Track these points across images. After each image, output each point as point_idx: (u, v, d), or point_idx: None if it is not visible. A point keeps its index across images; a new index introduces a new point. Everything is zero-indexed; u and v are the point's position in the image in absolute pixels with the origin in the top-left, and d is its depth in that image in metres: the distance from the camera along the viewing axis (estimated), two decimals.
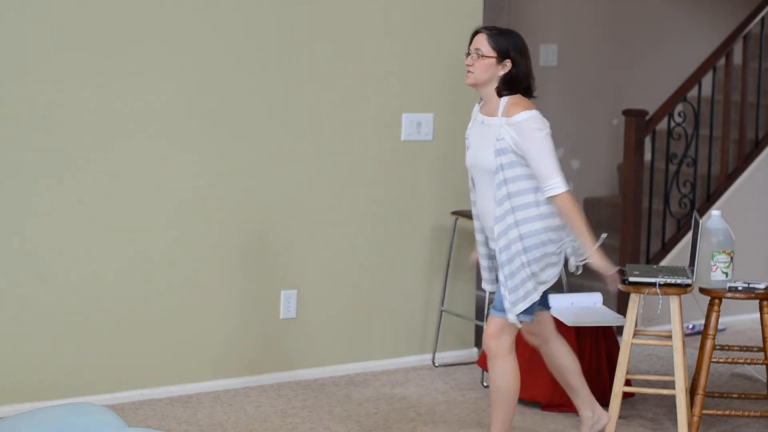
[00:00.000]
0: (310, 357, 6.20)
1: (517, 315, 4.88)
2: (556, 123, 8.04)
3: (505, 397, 4.94)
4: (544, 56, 7.94)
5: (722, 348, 5.66)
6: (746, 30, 7.40)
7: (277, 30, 6.00)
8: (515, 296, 4.84)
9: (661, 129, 7.71)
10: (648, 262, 7.24)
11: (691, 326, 7.19)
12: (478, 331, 6.74)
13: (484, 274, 5.11)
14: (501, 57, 4.81)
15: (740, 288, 5.33)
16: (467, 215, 6.46)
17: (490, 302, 5.87)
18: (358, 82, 6.20)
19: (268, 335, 6.12)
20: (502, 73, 4.82)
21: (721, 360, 5.49)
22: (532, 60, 7.85)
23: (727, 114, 7.38)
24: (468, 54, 4.86)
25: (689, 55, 8.25)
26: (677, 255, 7.29)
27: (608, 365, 5.86)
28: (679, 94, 7.24)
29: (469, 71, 4.85)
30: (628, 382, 5.49)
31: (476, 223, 5.04)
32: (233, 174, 5.96)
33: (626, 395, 5.78)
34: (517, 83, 4.85)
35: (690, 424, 5.33)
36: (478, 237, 5.05)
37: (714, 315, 5.39)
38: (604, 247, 4.98)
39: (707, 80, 7.46)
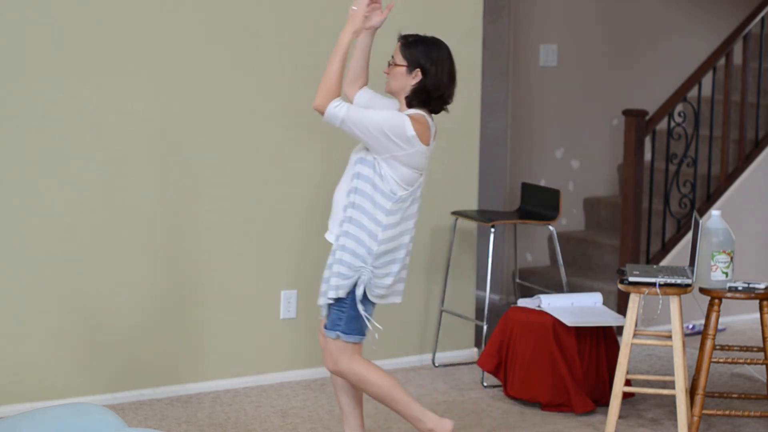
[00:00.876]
0: (310, 357, 6.20)
1: (347, 336, 4.80)
2: (556, 123, 8.06)
3: (383, 392, 4.82)
4: (544, 56, 7.94)
5: (722, 348, 5.66)
6: (746, 30, 7.40)
7: (277, 30, 6.00)
8: None
9: (661, 129, 7.71)
10: (648, 262, 7.24)
11: (691, 326, 7.19)
12: (478, 331, 6.74)
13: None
14: (411, 66, 4.65)
15: (740, 288, 5.33)
16: (467, 215, 6.47)
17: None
18: None
19: (268, 335, 6.12)
20: (413, 82, 4.66)
21: (721, 360, 5.49)
22: (532, 60, 7.90)
23: (727, 114, 7.38)
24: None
25: (689, 55, 8.25)
26: (677, 255, 7.29)
27: (608, 365, 5.86)
28: (679, 94, 7.24)
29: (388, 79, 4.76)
30: (628, 382, 5.49)
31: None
32: (233, 174, 5.96)
33: (626, 395, 5.78)
34: (426, 94, 4.67)
35: (690, 424, 5.33)
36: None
37: (714, 315, 5.39)
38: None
39: (707, 80, 7.46)
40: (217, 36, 5.86)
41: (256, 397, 5.91)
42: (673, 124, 7.30)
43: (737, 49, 7.52)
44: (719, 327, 7.08)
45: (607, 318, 5.88)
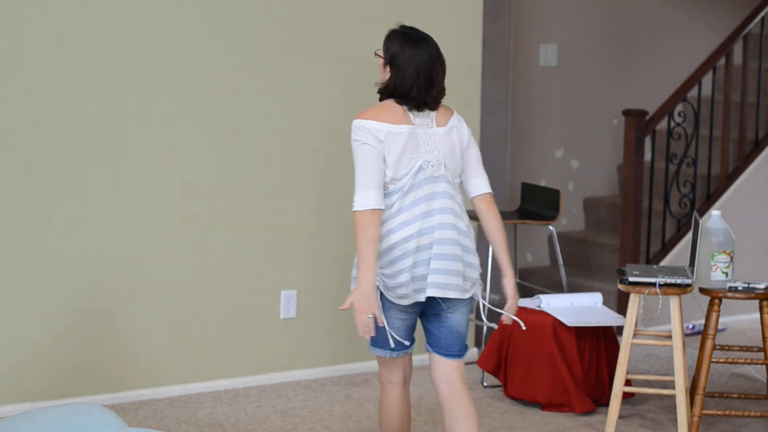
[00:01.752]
0: (310, 357, 6.20)
1: (371, 347, 4.51)
2: (556, 123, 8.06)
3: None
4: (544, 56, 7.94)
5: (722, 348, 5.66)
6: (746, 30, 7.40)
7: (277, 31, 6.00)
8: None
9: (661, 129, 7.71)
10: (648, 262, 7.24)
11: (691, 326, 7.19)
12: (478, 331, 6.74)
13: None
14: (386, 61, 4.50)
15: (740, 288, 5.33)
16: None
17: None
18: (357, 82, 6.19)
19: (268, 335, 6.12)
20: (387, 77, 4.50)
21: (721, 360, 5.49)
22: (532, 60, 7.90)
23: (727, 114, 7.38)
24: None
25: (689, 55, 8.25)
26: (677, 255, 7.29)
27: (608, 365, 5.86)
28: (679, 94, 7.24)
29: None
30: (628, 382, 5.49)
31: None
32: (233, 173, 5.96)
33: (626, 395, 5.78)
34: (391, 91, 4.48)
35: (690, 424, 5.33)
36: None
37: (714, 315, 5.39)
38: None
39: (707, 80, 7.46)
40: (217, 36, 5.86)
41: (256, 397, 5.91)
42: (673, 124, 7.30)
43: (737, 49, 7.52)
44: (719, 327, 7.08)
45: (607, 318, 5.88)
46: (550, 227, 6.61)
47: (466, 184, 4.58)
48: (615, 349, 5.87)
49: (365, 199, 4.30)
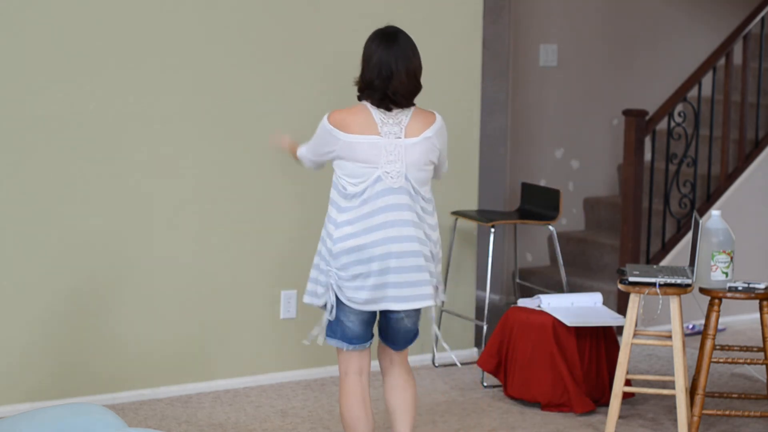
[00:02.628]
0: (310, 357, 6.20)
1: (327, 338, 4.63)
2: (556, 123, 8.06)
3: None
4: (544, 56, 7.94)
5: (722, 348, 5.66)
6: (746, 30, 7.40)
7: (277, 31, 6.00)
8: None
9: (661, 129, 7.71)
10: (648, 262, 7.24)
11: (691, 326, 7.19)
12: (478, 331, 6.74)
13: None
14: (362, 57, 4.57)
15: (740, 288, 5.33)
16: (467, 215, 6.47)
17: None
18: None
19: (268, 335, 6.12)
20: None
21: (721, 360, 5.49)
22: (532, 60, 7.90)
23: (727, 114, 7.38)
24: None
25: (689, 55, 8.25)
26: (677, 255, 7.29)
27: (608, 365, 5.86)
28: (679, 94, 7.24)
29: None
30: (628, 382, 5.49)
31: None
32: (233, 173, 5.96)
33: (626, 395, 5.78)
34: (360, 86, 4.54)
35: (690, 424, 5.33)
36: None
37: (714, 315, 5.39)
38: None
39: (707, 80, 7.46)
40: (217, 36, 5.86)
41: (256, 397, 5.91)
42: (673, 124, 7.30)
43: (737, 49, 7.52)
44: (719, 327, 7.08)
45: (607, 318, 5.88)
46: (550, 227, 6.62)
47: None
48: (615, 349, 5.87)
49: (304, 154, 4.78)
